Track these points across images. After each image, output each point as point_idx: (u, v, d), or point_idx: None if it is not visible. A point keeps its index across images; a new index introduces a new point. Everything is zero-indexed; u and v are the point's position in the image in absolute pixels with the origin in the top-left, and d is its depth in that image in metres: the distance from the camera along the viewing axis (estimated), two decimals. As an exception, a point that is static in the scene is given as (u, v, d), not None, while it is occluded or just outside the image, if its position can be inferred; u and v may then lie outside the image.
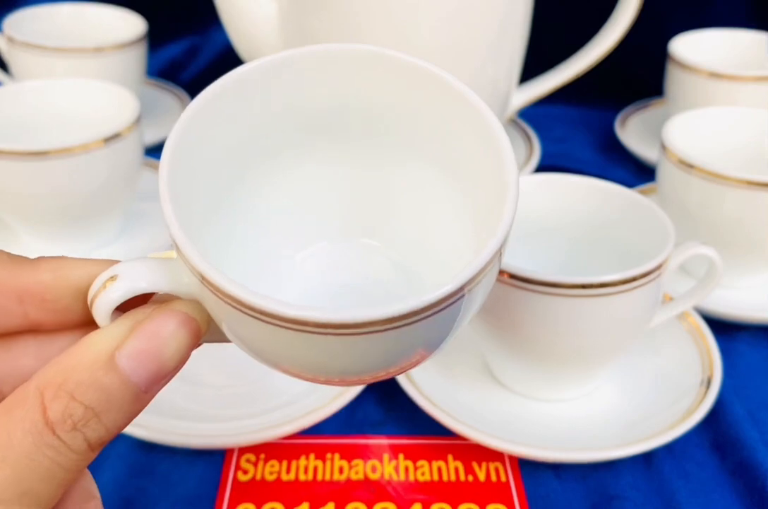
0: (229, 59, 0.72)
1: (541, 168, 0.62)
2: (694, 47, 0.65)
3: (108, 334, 0.22)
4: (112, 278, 0.23)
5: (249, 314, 0.21)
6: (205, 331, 0.23)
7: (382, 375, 0.24)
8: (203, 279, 0.21)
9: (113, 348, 0.21)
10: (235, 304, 0.21)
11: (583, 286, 0.35)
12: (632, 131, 0.68)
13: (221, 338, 0.24)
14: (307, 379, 0.24)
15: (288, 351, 0.22)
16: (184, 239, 0.21)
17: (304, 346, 0.21)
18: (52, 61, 0.61)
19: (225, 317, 0.22)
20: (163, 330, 0.22)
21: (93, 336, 0.22)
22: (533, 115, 0.69)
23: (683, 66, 0.62)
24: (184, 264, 0.22)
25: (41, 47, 0.60)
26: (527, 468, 0.39)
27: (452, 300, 0.21)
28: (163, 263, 0.23)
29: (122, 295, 0.22)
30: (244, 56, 0.58)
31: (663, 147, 0.49)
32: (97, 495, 0.25)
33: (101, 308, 0.23)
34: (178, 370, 0.22)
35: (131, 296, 0.23)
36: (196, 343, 0.23)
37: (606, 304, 0.36)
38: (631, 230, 0.41)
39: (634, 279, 0.36)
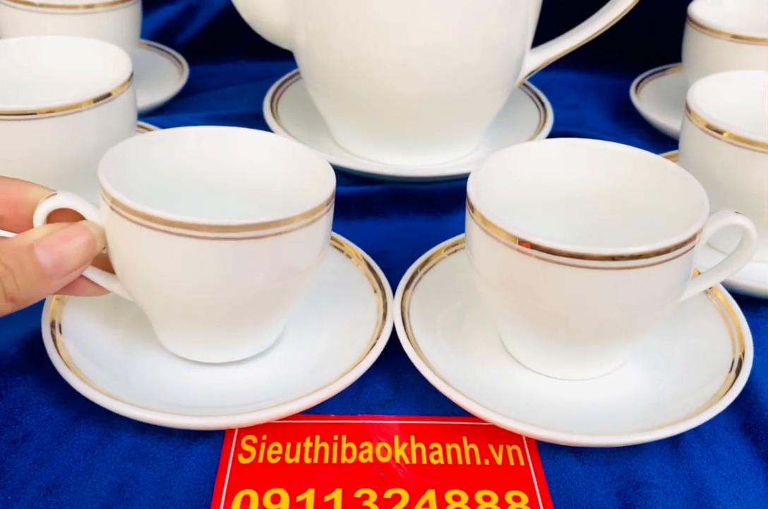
0: (227, 21, 0.70)
1: (554, 136, 0.59)
2: (714, 10, 0.62)
3: (35, 232, 0.34)
4: (53, 195, 0.36)
5: (136, 221, 0.33)
6: (100, 247, 0.35)
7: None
8: (112, 201, 0.34)
9: (35, 241, 0.34)
10: (125, 212, 0.34)
11: (613, 258, 0.33)
12: (648, 98, 0.65)
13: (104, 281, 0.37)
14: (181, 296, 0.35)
15: (169, 261, 0.34)
16: (104, 179, 0.35)
17: (190, 255, 0.33)
18: (41, 19, 0.58)
19: (120, 234, 0.35)
20: (71, 237, 0.34)
21: (26, 233, 0.34)
22: (544, 81, 0.66)
23: (704, 28, 0.59)
24: (102, 199, 0.35)
25: (29, 3, 0.57)
26: (546, 451, 0.36)
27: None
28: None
29: (54, 205, 0.35)
30: (243, 14, 0.55)
31: (688, 111, 0.46)
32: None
33: (40, 211, 0.35)
34: (77, 271, 0.35)
35: (59, 207, 0.35)
36: (91, 253, 0.35)
37: (637, 277, 0.34)
38: (659, 197, 0.39)
39: (668, 251, 0.33)
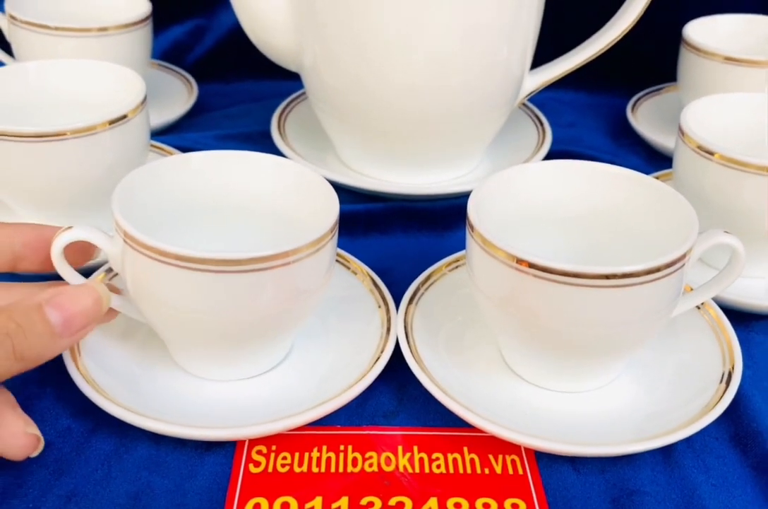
0: (235, 42, 0.71)
1: (552, 154, 0.61)
2: (708, 32, 0.64)
3: (44, 292, 0.35)
4: (69, 228, 0.38)
5: (148, 255, 0.35)
6: (106, 306, 0.37)
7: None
8: (125, 235, 0.36)
9: (44, 300, 0.35)
10: (138, 246, 0.35)
11: (607, 276, 0.34)
12: (644, 117, 0.67)
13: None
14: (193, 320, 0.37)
15: (180, 291, 0.36)
16: (117, 212, 0.36)
17: (201, 287, 0.35)
18: (55, 42, 0.59)
19: (132, 264, 0.36)
20: (78, 296, 0.36)
21: (34, 293, 0.36)
22: (543, 99, 0.68)
23: (698, 50, 0.61)
24: (115, 231, 0.37)
25: (44, 27, 0.59)
26: (544, 460, 0.38)
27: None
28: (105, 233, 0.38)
29: (71, 237, 0.38)
30: (251, 37, 0.56)
31: (681, 133, 0.48)
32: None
33: (57, 243, 0.38)
34: (84, 330, 0.36)
35: (75, 239, 0.38)
36: (98, 312, 0.36)
37: (629, 295, 0.35)
38: (651, 217, 0.41)
39: (659, 269, 0.35)
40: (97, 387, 0.38)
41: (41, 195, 0.48)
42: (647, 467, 0.38)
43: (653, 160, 0.63)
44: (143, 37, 0.63)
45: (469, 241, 0.39)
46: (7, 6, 0.61)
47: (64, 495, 0.36)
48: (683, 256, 0.36)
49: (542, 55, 0.59)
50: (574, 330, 0.37)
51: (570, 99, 0.72)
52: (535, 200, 0.42)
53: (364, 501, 0.36)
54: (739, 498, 0.37)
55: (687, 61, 0.63)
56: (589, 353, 0.38)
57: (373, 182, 0.57)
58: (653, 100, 0.69)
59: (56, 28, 0.59)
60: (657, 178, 0.56)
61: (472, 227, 0.38)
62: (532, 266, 0.35)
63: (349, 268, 0.47)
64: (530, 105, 0.65)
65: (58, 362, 0.41)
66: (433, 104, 0.53)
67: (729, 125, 0.51)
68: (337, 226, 0.39)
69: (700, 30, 0.64)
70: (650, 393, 0.40)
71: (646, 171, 0.58)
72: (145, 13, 0.62)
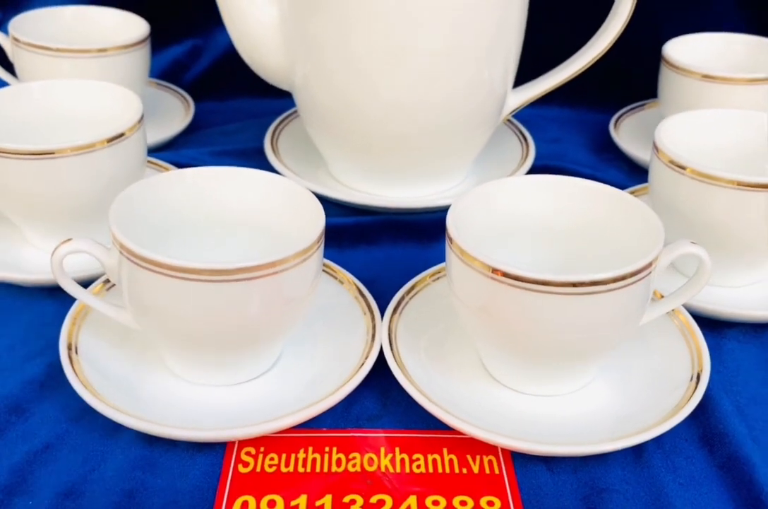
0: (231, 61, 0.73)
1: (537, 169, 0.63)
2: (687, 50, 0.66)
3: None
4: (68, 240, 0.40)
5: (143, 266, 0.37)
6: None
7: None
8: (121, 247, 0.38)
9: None
10: (133, 258, 0.37)
11: (574, 284, 0.36)
12: (626, 133, 0.69)
13: None
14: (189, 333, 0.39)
15: (174, 299, 0.37)
16: (114, 225, 0.38)
17: (193, 295, 0.37)
18: (57, 62, 0.62)
19: (128, 274, 0.38)
20: None
21: None
22: (529, 116, 0.70)
23: (677, 68, 0.63)
24: (112, 243, 0.38)
25: (46, 48, 0.61)
26: (520, 460, 0.40)
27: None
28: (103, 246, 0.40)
29: (70, 249, 0.40)
30: (245, 58, 0.59)
31: (655, 148, 0.50)
32: None
33: (56, 256, 0.40)
34: None
35: (74, 251, 0.40)
36: None
37: (597, 302, 0.37)
38: (623, 229, 0.43)
39: (624, 278, 0.37)
40: (93, 391, 0.40)
41: (42, 210, 0.50)
42: (618, 467, 0.40)
43: (634, 174, 0.65)
44: (142, 57, 0.65)
45: (448, 252, 0.41)
46: (11, 28, 0.63)
47: (62, 493, 0.38)
48: (649, 265, 0.38)
49: (526, 74, 0.61)
50: (547, 336, 0.39)
51: (555, 115, 0.75)
52: (512, 214, 0.44)
53: (346, 499, 0.38)
54: (705, 495, 0.38)
55: (667, 79, 0.65)
56: (562, 358, 0.40)
57: (362, 196, 0.59)
58: (635, 117, 0.72)
59: (57, 50, 0.61)
60: (636, 191, 0.59)
61: (450, 239, 0.40)
62: (505, 275, 0.37)
63: (336, 278, 0.49)
64: (515, 121, 0.68)
65: (56, 368, 0.43)
66: (419, 122, 0.55)
67: (703, 141, 0.53)
68: (323, 238, 0.41)
69: (679, 48, 0.66)
70: (622, 396, 0.42)
71: (627, 185, 0.61)
72: (144, 34, 0.65)
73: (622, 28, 0.58)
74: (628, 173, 0.65)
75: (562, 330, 0.38)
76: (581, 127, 0.73)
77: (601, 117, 0.73)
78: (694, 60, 0.64)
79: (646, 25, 0.71)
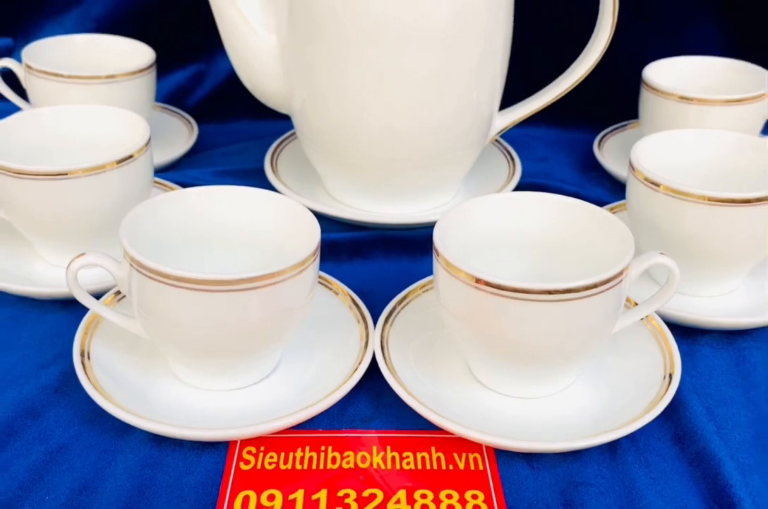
0: (232, 86, 0.77)
1: (525, 186, 0.66)
2: (666, 73, 0.70)
3: None
4: (82, 254, 0.43)
5: (152, 277, 0.40)
6: None
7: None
8: (132, 260, 0.41)
9: None
10: (143, 270, 0.40)
11: (550, 292, 0.39)
12: (609, 152, 0.73)
13: None
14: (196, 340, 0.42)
15: (180, 308, 0.40)
16: (124, 239, 0.42)
17: (198, 305, 0.40)
18: (68, 88, 0.65)
19: (138, 285, 0.41)
20: None
21: None
22: (518, 136, 0.73)
23: (655, 90, 0.67)
24: (123, 256, 0.42)
25: (57, 75, 0.65)
26: (503, 458, 0.43)
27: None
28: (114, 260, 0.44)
29: (83, 263, 0.43)
30: (245, 84, 0.62)
31: (631, 166, 0.53)
32: None
33: (71, 269, 0.43)
34: None
35: (87, 264, 0.43)
36: None
37: (571, 308, 0.40)
38: (597, 242, 0.46)
39: (596, 286, 0.40)
40: (105, 394, 0.43)
41: (55, 227, 0.53)
42: (594, 463, 0.42)
43: (617, 191, 0.68)
44: (148, 82, 0.68)
45: (435, 264, 0.44)
46: (24, 56, 0.67)
47: (77, 489, 0.40)
48: (619, 274, 0.41)
49: (511, 97, 0.64)
50: (527, 340, 0.42)
51: (543, 135, 0.78)
52: (494, 229, 0.48)
53: (340, 493, 0.40)
54: (674, 489, 0.41)
55: (646, 101, 0.68)
56: (542, 362, 0.43)
57: (356, 213, 0.62)
58: (618, 136, 0.75)
59: (68, 76, 0.65)
60: (616, 207, 0.62)
61: (437, 252, 0.43)
62: (488, 284, 0.40)
63: (331, 289, 0.52)
64: (503, 141, 0.71)
65: (69, 375, 0.46)
66: (410, 144, 0.58)
67: (678, 159, 0.57)
68: (319, 251, 0.44)
69: (658, 71, 0.69)
70: (600, 397, 0.45)
71: (610, 201, 0.64)
72: (150, 61, 0.68)
73: (602, 53, 0.62)
74: (611, 190, 0.69)
75: (540, 335, 0.41)
76: (567, 146, 0.76)
77: (586, 137, 0.76)
78: (671, 82, 0.68)
79: (628, 49, 0.75)
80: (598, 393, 0.46)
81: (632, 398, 0.45)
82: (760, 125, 0.69)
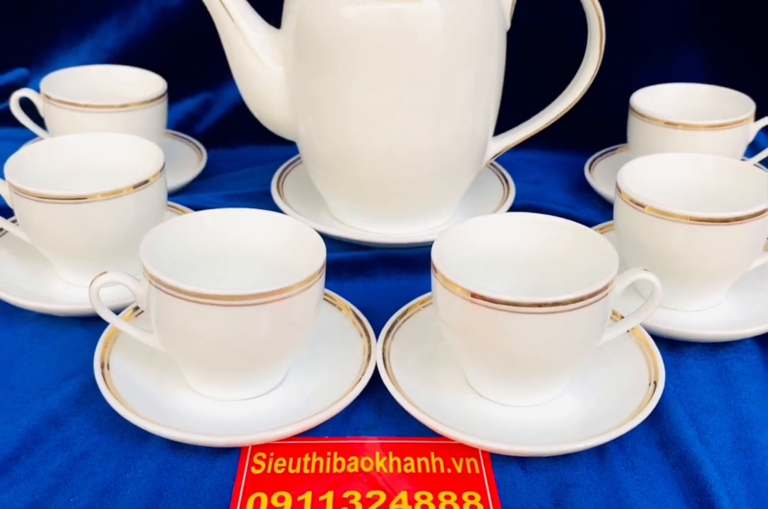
0: (239, 113, 0.80)
1: (519, 207, 0.69)
2: (652, 99, 0.73)
3: None
4: (103, 273, 0.46)
5: (169, 293, 0.43)
6: None
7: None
8: (151, 277, 0.44)
9: None
10: (161, 286, 0.43)
11: (539, 305, 0.43)
12: (600, 174, 0.76)
13: None
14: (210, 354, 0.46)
15: (195, 322, 0.43)
16: (144, 258, 0.45)
17: (212, 319, 0.43)
18: (84, 117, 0.68)
19: (157, 301, 0.44)
20: None
21: None
22: (512, 160, 0.76)
23: (642, 116, 0.70)
24: (143, 274, 0.45)
25: (74, 104, 0.68)
26: (498, 461, 0.46)
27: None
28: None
29: (105, 281, 0.46)
30: (253, 112, 0.66)
31: (618, 189, 0.56)
32: None
33: (94, 286, 0.46)
34: None
35: (109, 282, 0.46)
36: None
37: (560, 320, 0.43)
38: (584, 259, 0.49)
39: (582, 299, 0.43)
40: (124, 402, 0.46)
41: (75, 248, 0.56)
42: (583, 466, 0.45)
43: (607, 211, 0.71)
44: (160, 111, 0.72)
45: (433, 280, 0.47)
46: (42, 87, 0.70)
47: (99, 492, 0.43)
48: (604, 288, 0.44)
49: (506, 122, 0.68)
50: (519, 351, 0.45)
51: (537, 159, 0.81)
52: (488, 247, 0.51)
53: (346, 495, 0.43)
54: (659, 490, 0.44)
55: (634, 126, 0.72)
56: (534, 371, 0.46)
57: (359, 233, 0.65)
58: (608, 160, 0.78)
59: (84, 105, 0.68)
60: (606, 227, 0.65)
61: (435, 269, 0.46)
62: (482, 298, 0.43)
63: (335, 305, 0.55)
64: (498, 165, 0.74)
65: (89, 386, 0.49)
66: (409, 168, 0.61)
67: (663, 182, 0.60)
68: (324, 269, 0.47)
69: (645, 98, 0.73)
70: (588, 404, 0.48)
71: (600, 221, 0.67)
72: (161, 90, 0.72)
73: (590, 81, 0.65)
74: (602, 211, 0.72)
75: (532, 345, 0.44)
76: (560, 169, 0.80)
77: (577, 160, 0.79)
78: (658, 108, 0.71)
79: (617, 77, 0.78)
80: (587, 400, 0.49)
81: (619, 404, 0.47)
82: (743, 149, 0.72)
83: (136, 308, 0.53)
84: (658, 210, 0.53)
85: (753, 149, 0.79)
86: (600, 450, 0.46)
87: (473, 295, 0.44)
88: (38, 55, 0.87)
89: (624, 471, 0.45)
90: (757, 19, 0.80)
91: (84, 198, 0.53)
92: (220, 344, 0.45)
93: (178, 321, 0.44)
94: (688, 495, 0.43)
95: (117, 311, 0.53)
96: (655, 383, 0.48)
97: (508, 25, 0.62)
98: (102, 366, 0.48)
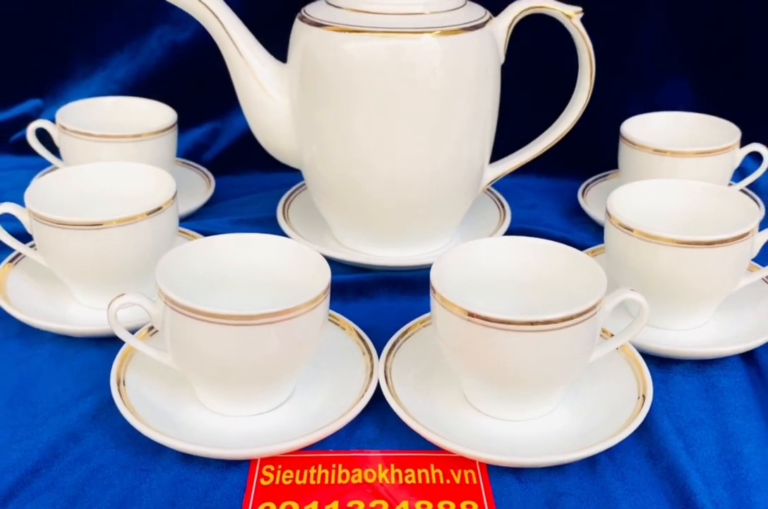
0: (245, 142, 0.84)
1: (515, 231, 0.72)
2: (642, 127, 0.76)
3: None
4: (121, 295, 0.49)
5: (184, 313, 0.46)
6: None
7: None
8: (166, 298, 0.47)
9: None
10: (176, 307, 0.46)
11: (532, 323, 0.45)
12: (593, 199, 0.79)
13: None
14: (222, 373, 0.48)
15: (207, 341, 0.46)
16: (160, 281, 0.47)
17: (223, 338, 0.46)
18: (98, 146, 0.71)
19: (171, 321, 0.47)
20: None
21: None
22: (508, 185, 0.79)
23: (632, 143, 0.73)
24: (158, 295, 0.48)
25: (89, 134, 0.71)
26: (494, 473, 0.48)
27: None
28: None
29: (123, 302, 0.49)
30: (260, 141, 0.69)
31: (607, 213, 0.59)
32: None
33: (112, 308, 0.49)
34: None
35: (126, 303, 0.48)
36: None
37: (552, 337, 0.46)
38: (575, 280, 0.51)
39: (572, 318, 0.46)
40: (139, 417, 0.48)
41: (91, 272, 0.59)
42: (575, 476, 0.48)
43: (600, 235, 0.73)
44: (170, 140, 0.75)
45: (432, 300, 0.50)
46: (58, 118, 0.74)
47: (116, 503, 0.46)
48: (592, 307, 0.46)
49: (501, 150, 0.71)
50: (513, 367, 0.47)
51: (532, 184, 0.84)
52: (484, 269, 0.53)
53: (350, 504, 0.46)
54: (647, 498, 0.46)
55: (624, 153, 0.75)
56: (527, 386, 0.49)
57: (361, 257, 0.68)
58: (600, 185, 0.81)
59: (99, 135, 0.71)
60: (597, 249, 0.68)
61: (434, 289, 0.49)
62: (478, 316, 0.46)
63: (338, 325, 0.57)
64: (494, 191, 0.77)
65: (104, 403, 0.52)
66: (409, 195, 0.64)
67: (650, 206, 0.63)
68: (329, 290, 0.50)
69: (635, 126, 0.76)
70: (580, 418, 0.50)
71: (593, 244, 0.70)
72: (172, 121, 0.75)
73: (581, 111, 0.69)
74: (595, 234, 0.75)
75: (525, 362, 0.47)
76: (554, 195, 0.83)
77: (571, 186, 0.82)
78: (647, 136, 0.74)
79: (608, 106, 0.82)
80: (578, 414, 0.51)
81: (610, 418, 0.50)
82: (730, 174, 0.75)
83: (151, 328, 0.56)
84: (646, 233, 0.56)
85: (741, 173, 0.82)
86: (591, 461, 0.48)
87: (470, 314, 0.46)
88: (52, 86, 0.91)
89: (614, 480, 0.47)
90: (741, 52, 0.84)
91: (100, 224, 0.56)
92: (231, 362, 0.47)
93: (191, 340, 0.47)
94: (675, 504, 0.46)
95: (132, 332, 0.56)
96: (643, 396, 0.50)
97: (502, 59, 0.65)
98: (118, 383, 0.51)
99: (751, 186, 0.80)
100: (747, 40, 0.83)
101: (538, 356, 0.47)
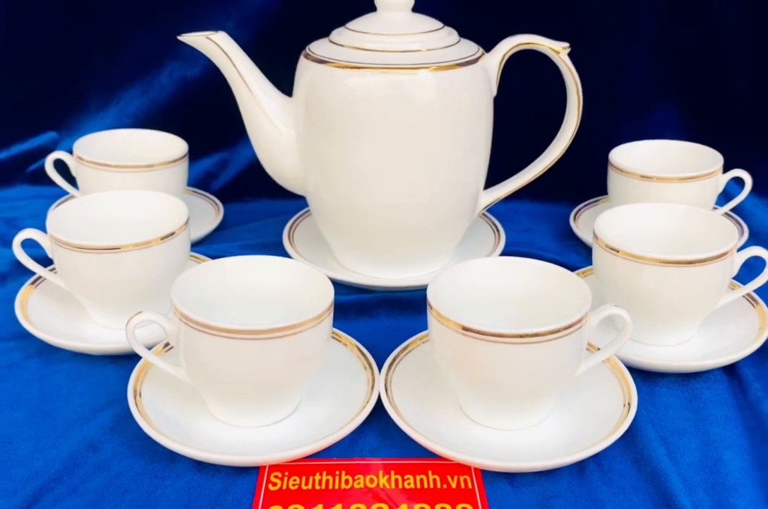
0: (252, 171, 0.88)
1: (509, 253, 0.75)
2: (630, 155, 0.80)
3: None
4: (139, 312, 0.52)
5: (197, 328, 0.49)
6: None
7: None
8: (181, 315, 0.50)
9: None
10: (190, 323, 0.49)
11: (521, 336, 0.49)
12: (584, 223, 0.82)
13: None
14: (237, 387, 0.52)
15: (219, 354, 0.49)
16: (175, 299, 0.51)
17: (234, 351, 0.49)
18: (113, 176, 0.75)
19: (186, 336, 0.50)
20: None
21: None
22: (503, 210, 0.83)
23: (620, 170, 0.77)
24: (173, 312, 0.51)
25: (105, 165, 0.75)
26: (489, 478, 0.51)
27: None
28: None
29: (141, 320, 0.52)
30: (267, 170, 0.73)
31: (595, 236, 0.63)
32: None
33: (130, 325, 0.52)
34: None
35: (143, 321, 0.52)
36: None
37: (540, 349, 0.49)
38: (562, 297, 0.55)
39: (558, 331, 0.49)
40: (154, 426, 0.52)
41: (108, 293, 0.63)
42: (565, 481, 0.51)
43: (590, 257, 0.77)
44: (181, 170, 0.79)
45: (429, 316, 0.53)
46: (75, 149, 0.78)
47: (135, 507, 0.49)
48: (578, 321, 0.50)
49: (496, 176, 0.74)
50: (504, 378, 0.50)
51: (526, 209, 0.88)
52: (478, 287, 0.57)
53: (353, 507, 0.49)
54: (631, 501, 0.49)
55: (613, 179, 0.79)
56: (518, 396, 0.52)
57: (363, 278, 0.72)
58: (591, 210, 0.85)
59: (115, 166, 0.75)
60: (587, 270, 0.71)
61: (430, 306, 0.52)
62: (472, 330, 0.49)
63: (341, 341, 0.61)
64: (490, 215, 0.81)
65: (121, 416, 0.55)
66: (408, 219, 0.68)
67: (636, 229, 0.66)
68: (333, 308, 0.53)
69: (623, 154, 0.80)
70: (569, 426, 0.54)
71: (583, 265, 0.73)
72: (183, 151, 0.79)
73: (571, 140, 0.73)
74: (585, 256, 0.78)
75: (516, 373, 0.50)
76: (547, 219, 0.86)
77: (563, 210, 0.86)
78: (634, 163, 0.78)
79: (597, 134, 0.86)
80: (568, 423, 0.54)
81: (598, 426, 0.53)
82: (714, 198, 0.79)
83: (166, 344, 0.59)
84: (631, 254, 0.60)
85: (725, 197, 0.85)
86: (580, 467, 0.52)
87: (464, 328, 0.50)
88: (67, 119, 0.95)
89: (601, 484, 0.50)
90: (725, 81, 0.88)
91: (117, 248, 0.60)
92: (240, 375, 0.50)
93: (202, 354, 0.50)
94: (658, 505, 0.49)
95: (147, 348, 0.59)
96: (628, 404, 0.54)
97: (494, 91, 0.69)
98: (135, 395, 0.54)
99: (735, 209, 0.84)
100: (731, 70, 0.87)
101: (528, 368, 0.50)
